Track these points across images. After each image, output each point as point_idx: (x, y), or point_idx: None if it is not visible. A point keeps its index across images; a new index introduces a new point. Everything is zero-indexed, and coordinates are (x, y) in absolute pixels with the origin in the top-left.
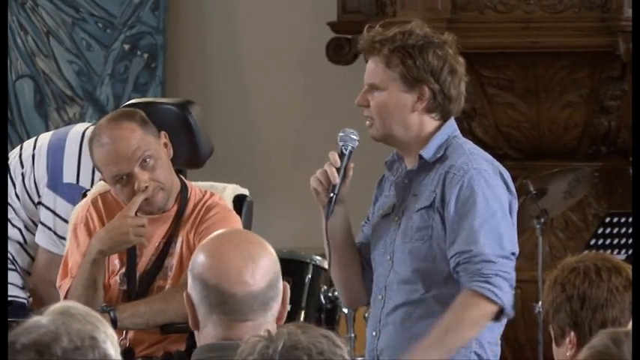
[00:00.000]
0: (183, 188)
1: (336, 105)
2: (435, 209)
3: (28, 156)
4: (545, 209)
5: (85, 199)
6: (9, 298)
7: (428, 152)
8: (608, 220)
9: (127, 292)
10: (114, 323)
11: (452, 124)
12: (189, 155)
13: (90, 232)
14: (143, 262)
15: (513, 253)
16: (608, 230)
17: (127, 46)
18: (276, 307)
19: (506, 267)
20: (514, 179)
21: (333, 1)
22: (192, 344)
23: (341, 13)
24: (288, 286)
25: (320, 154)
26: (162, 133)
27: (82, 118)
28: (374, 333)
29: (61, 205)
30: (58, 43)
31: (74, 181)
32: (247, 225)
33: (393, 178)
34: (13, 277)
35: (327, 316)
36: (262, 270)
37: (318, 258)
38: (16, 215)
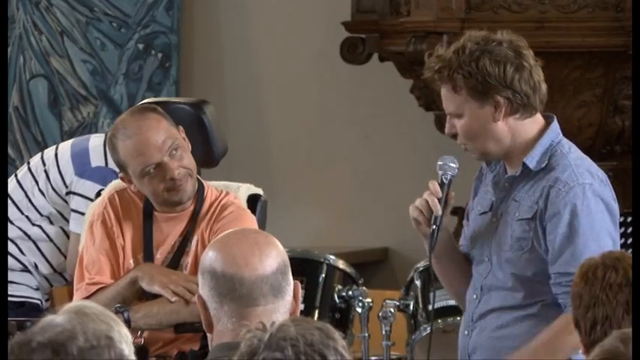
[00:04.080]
0: (200, 187)
1: (350, 104)
2: (537, 222)
3: (50, 155)
4: None
5: (101, 197)
6: (21, 299)
7: (532, 161)
8: (622, 219)
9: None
10: (127, 323)
11: (554, 128)
12: (204, 155)
13: (107, 229)
14: (159, 260)
15: None
16: (622, 230)
17: (141, 46)
18: (288, 298)
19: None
20: None
21: (347, 0)
22: (206, 343)
23: (355, 12)
24: (299, 284)
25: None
26: (180, 127)
27: (96, 118)
28: (466, 332)
29: (93, 188)
30: (72, 42)
31: (103, 164)
32: (261, 224)
33: (492, 174)
34: (26, 278)
35: (341, 316)
36: (270, 255)
37: (332, 257)
38: (38, 214)
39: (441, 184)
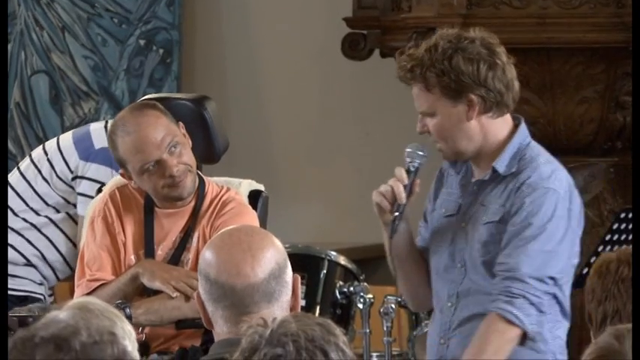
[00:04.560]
0: (201, 183)
1: (351, 100)
2: (504, 225)
3: (52, 144)
4: None
5: (102, 193)
6: (24, 294)
7: (501, 165)
8: (623, 215)
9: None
10: (128, 319)
11: (523, 130)
12: (205, 151)
13: (107, 225)
14: (160, 256)
15: (553, 279)
16: (623, 226)
17: (142, 42)
18: (284, 299)
19: (538, 290)
20: None
21: None
22: (207, 340)
23: (356, 8)
24: (299, 278)
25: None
26: (180, 124)
27: (97, 114)
28: (442, 341)
29: (98, 170)
30: (73, 38)
31: (106, 145)
32: (262, 220)
33: (457, 176)
34: (29, 272)
35: (343, 312)
36: (262, 262)
37: (334, 253)
38: (43, 203)
39: (408, 172)
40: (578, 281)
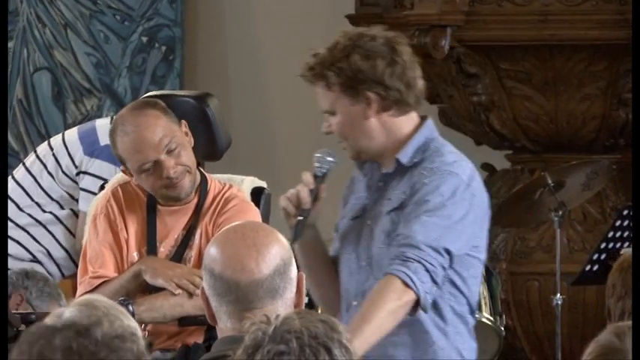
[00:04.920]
0: (203, 180)
1: None
2: (404, 208)
3: (58, 140)
4: (563, 202)
5: (104, 190)
6: None
7: (405, 156)
8: (626, 212)
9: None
10: (131, 316)
11: (429, 125)
12: (207, 148)
13: (110, 222)
14: (162, 253)
15: (448, 251)
16: (626, 222)
17: (144, 39)
18: (288, 295)
19: (433, 259)
20: (532, 172)
21: None
22: (210, 337)
23: (359, 5)
24: (303, 276)
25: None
26: (183, 122)
27: (99, 111)
28: None
29: (101, 167)
30: (75, 35)
31: None
32: (265, 217)
33: (364, 179)
34: (34, 268)
35: None
36: (267, 257)
37: None
38: (48, 197)
39: (315, 177)
40: (581, 278)
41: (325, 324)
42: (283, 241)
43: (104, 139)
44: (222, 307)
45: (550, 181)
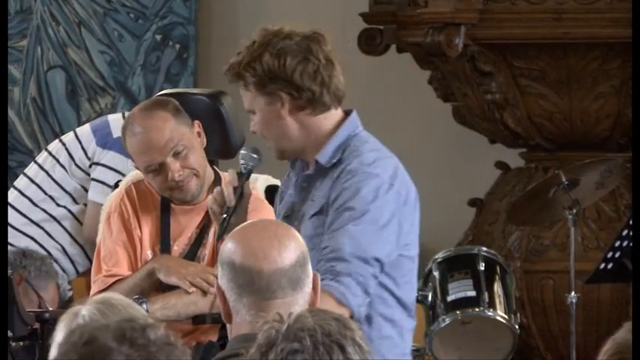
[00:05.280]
0: (217, 179)
1: (367, 96)
2: (325, 214)
3: (69, 135)
4: (578, 200)
5: (118, 188)
6: None
7: (324, 156)
8: None
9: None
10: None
11: (352, 120)
12: (221, 146)
13: (124, 221)
14: (176, 252)
15: (378, 260)
16: None
17: (158, 37)
18: (307, 290)
19: (363, 270)
20: (546, 170)
21: None
22: (224, 335)
23: (373, 3)
24: (318, 275)
25: None
26: (196, 122)
27: (113, 109)
28: None
29: (114, 158)
30: (89, 33)
31: None
32: (279, 216)
33: (295, 178)
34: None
35: None
36: (289, 248)
37: None
38: (61, 190)
39: (240, 175)
40: (596, 276)
41: (338, 322)
42: (300, 239)
43: (117, 132)
44: (242, 300)
45: (564, 180)
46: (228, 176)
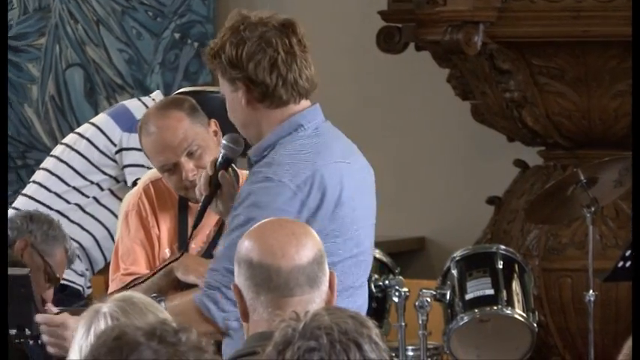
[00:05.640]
0: (234, 176)
1: (386, 93)
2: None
3: (86, 126)
4: (596, 198)
5: (136, 187)
6: (64, 282)
7: (253, 154)
8: None
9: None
10: None
11: (291, 121)
12: None
13: (141, 219)
14: (193, 250)
15: None
16: None
17: (177, 35)
18: (324, 288)
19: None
20: (564, 168)
21: None
22: None
23: (391, 1)
24: (334, 273)
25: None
26: (213, 121)
27: None
28: None
29: None
30: (108, 31)
31: None
32: None
33: None
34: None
35: (378, 305)
36: (306, 246)
37: None
38: (84, 180)
39: (215, 164)
40: (614, 274)
41: (355, 320)
42: (317, 237)
43: (139, 115)
44: (260, 297)
45: (582, 178)
46: (207, 166)
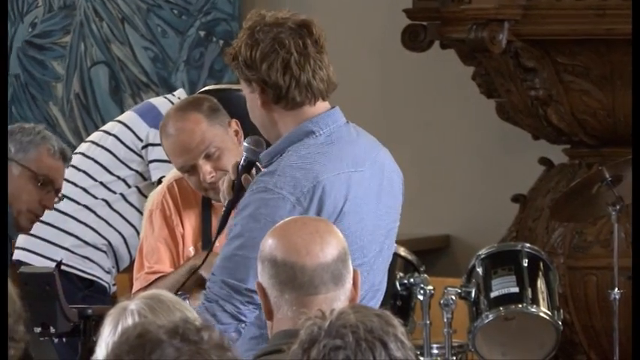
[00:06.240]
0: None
1: (411, 91)
2: None
3: (112, 124)
4: (621, 196)
5: (160, 185)
6: (91, 278)
7: (264, 160)
8: None
9: (201, 279)
10: None
11: (302, 127)
12: None
13: (165, 217)
14: (217, 248)
15: (252, 290)
16: None
17: (202, 33)
18: (348, 286)
19: (233, 299)
20: (589, 166)
21: None
22: None
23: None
24: (358, 272)
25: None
26: (234, 120)
27: None
28: None
29: None
30: (133, 29)
31: None
32: None
33: None
34: (101, 257)
35: (403, 303)
36: (330, 244)
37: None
38: (111, 175)
39: (238, 167)
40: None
41: (381, 318)
42: (340, 235)
43: (165, 111)
44: (284, 296)
45: (607, 176)
46: (230, 169)
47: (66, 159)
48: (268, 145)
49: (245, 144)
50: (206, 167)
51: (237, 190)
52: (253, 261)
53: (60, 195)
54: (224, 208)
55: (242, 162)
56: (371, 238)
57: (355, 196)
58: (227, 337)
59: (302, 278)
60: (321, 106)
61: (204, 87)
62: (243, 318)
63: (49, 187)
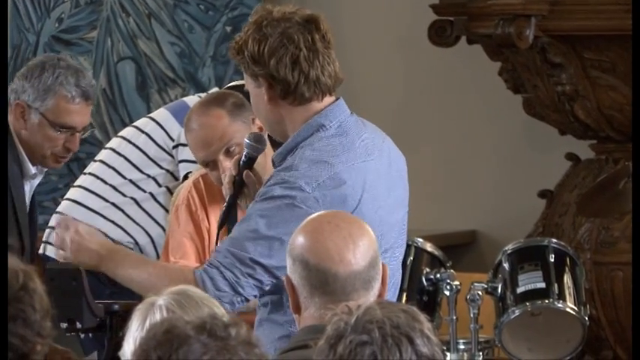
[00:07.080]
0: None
1: (437, 87)
2: None
3: (145, 120)
4: None
5: (187, 180)
6: None
7: (276, 156)
8: None
9: None
10: None
11: (311, 123)
12: None
13: (191, 213)
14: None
15: (256, 261)
16: None
17: (228, 28)
18: (377, 286)
19: (235, 268)
20: (616, 162)
21: None
22: None
23: None
24: (387, 266)
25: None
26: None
27: None
28: None
29: None
30: (159, 25)
31: None
32: None
33: None
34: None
35: (429, 299)
36: (363, 249)
37: (420, 240)
38: (141, 174)
39: (238, 163)
40: None
41: (407, 314)
42: (372, 234)
43: None
44: (314, 298)
45: None
46: (230, 165)
47: (88, 98)
48: (271, 140)
49: (246, 140)
50: (226, 163)
51: (239, 185)
52: (264, 238)
53: (86, 131)
54: (224, 204)
55: (243, 158)
56: (388, 227)
57: (371, 185)
58: (254, 335)
59: (334, 285)
60: (327, 100)
61: (230, 82)
62: (241, 290)
63: (70, 131)
